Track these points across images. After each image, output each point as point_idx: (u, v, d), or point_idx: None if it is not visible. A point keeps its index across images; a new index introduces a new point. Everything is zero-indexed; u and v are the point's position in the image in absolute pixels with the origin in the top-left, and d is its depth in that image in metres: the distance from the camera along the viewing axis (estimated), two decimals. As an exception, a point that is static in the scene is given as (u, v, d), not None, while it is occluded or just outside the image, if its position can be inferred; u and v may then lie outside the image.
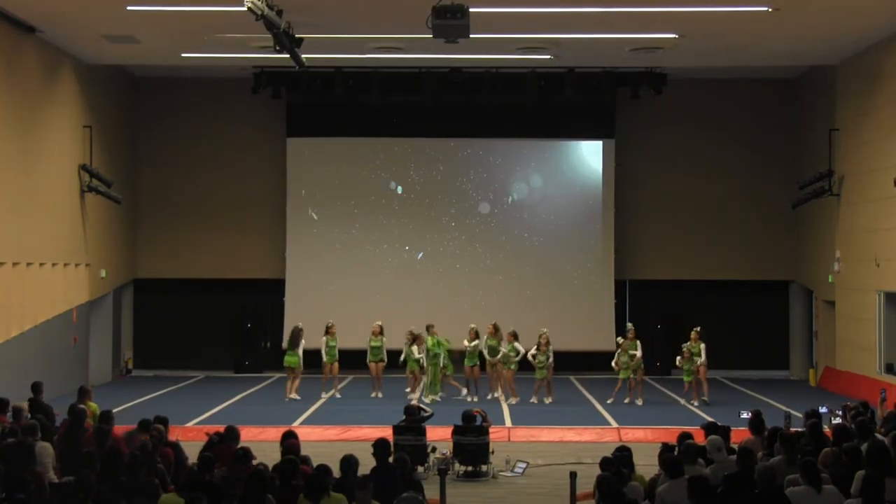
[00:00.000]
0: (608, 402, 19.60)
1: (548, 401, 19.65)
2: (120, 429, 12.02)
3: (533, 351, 19.55)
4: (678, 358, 19.68)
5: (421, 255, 25.26)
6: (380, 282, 25.13)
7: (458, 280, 25.15)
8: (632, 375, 19.56)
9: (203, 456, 9.84)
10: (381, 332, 20.48)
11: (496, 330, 19.96)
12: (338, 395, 20.37)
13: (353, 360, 21.53)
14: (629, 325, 20.72)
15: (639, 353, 19.57)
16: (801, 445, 10.19)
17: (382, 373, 20.64)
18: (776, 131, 25.55)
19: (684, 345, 19.66)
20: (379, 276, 25.16)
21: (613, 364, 19.74)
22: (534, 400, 19.63)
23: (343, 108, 24.57)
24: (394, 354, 20.53)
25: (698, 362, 19.38)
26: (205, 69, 24.05)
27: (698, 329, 19.70)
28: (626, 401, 19.53)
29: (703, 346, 19.48)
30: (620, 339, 20.08)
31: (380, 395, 20.38)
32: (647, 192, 25.58)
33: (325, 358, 20.36)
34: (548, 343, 19.53)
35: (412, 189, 25.24)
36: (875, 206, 20.34)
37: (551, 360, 19.57)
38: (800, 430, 11.87)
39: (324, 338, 20.44)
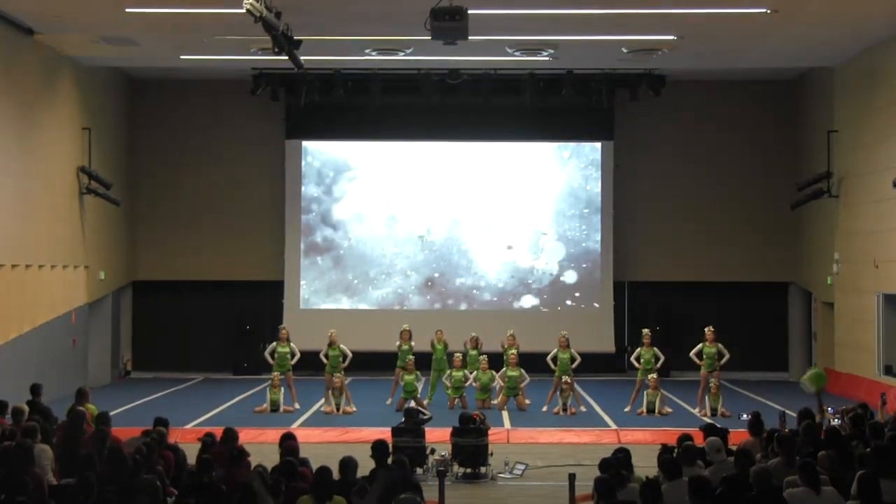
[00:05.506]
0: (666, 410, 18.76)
1: (584, 409, 19.09)
2: (118, 431, 12.02)
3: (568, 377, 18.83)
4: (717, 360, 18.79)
5: (427, 233, 25.08)
6: (379, 285, 25.14)
7: (458, 283, 25.15)
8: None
9: (202, 458, 9.84)
10: (411, 338, 19.73)
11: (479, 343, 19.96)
12: (297, 406, 18.93)
13: (353, 362, 21.42)
14: (645, 331, 19.64)
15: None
16: (798, 446, 10.18)
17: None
18: (775, 133, 25.56)
19: (699, 346, 19.01)
20: (378, 279, 25.17)
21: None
22: (573, 410, 18.66)
23: (342, 110, 24.61)
24: (378, 356, 20.48)
25: (716, 366, 18.69)
26: (203, 71, 24.05)
27: (712, 328, 19.05)
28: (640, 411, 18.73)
29: (720, 346, 18.82)
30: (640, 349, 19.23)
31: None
32: (646, 193, 25.58)
33: (274, 369, 18.85)
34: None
35: (410, 191, 25.23)
36: (874, 207, 20.35)
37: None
38: (794, 428, 11.90)
39: (273, 344, 19.23)
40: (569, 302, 25.04)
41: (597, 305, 25.05)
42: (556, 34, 19.08)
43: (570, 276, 25.12)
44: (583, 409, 19.09)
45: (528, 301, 25.08)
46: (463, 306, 25.02)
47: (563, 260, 25.15)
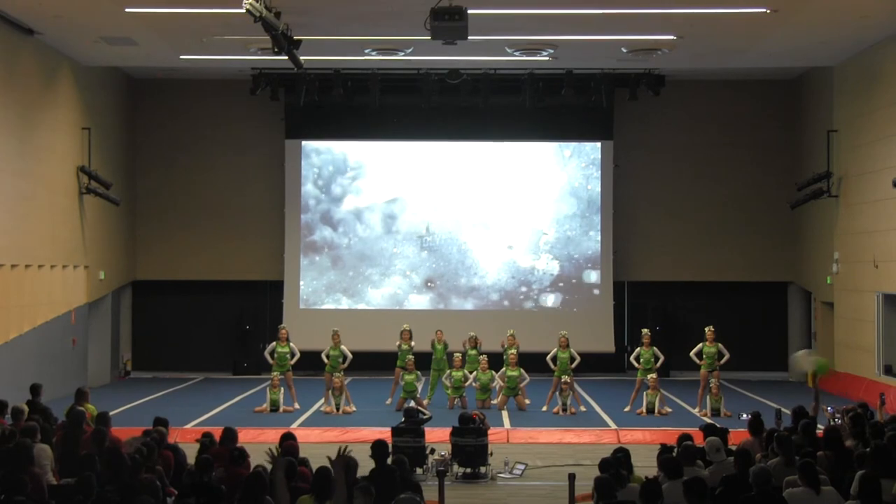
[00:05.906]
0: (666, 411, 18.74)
1: (583, 409, 19.11)
2: (118, 431, 12.01)
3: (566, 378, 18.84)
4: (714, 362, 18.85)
5: (427, 233, 25.06)
6: (379, 285, 25.14)
7: (458, 283, 25.15)
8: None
9: (202, 458, 9.84)
10: (411, 338, 19.69)
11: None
12: (297, 406, 18.96)
13: (353, 362, 21.36)
14: (644, 331, 19.62)
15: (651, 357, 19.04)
16: (796, 445, 10.17)
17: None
18: (774, 132, 25.57)
19: (699, 346, 19.03)
20: (378, 279, 25.17)
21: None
22: (572, 410, 18.64)
23: (341, 109, 24.63)
24: (378, 356, 20.45)
25: (717, 365, 18.76)
26: (203, 71, 24.05)
27: (712, 328, 19.09)
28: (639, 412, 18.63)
29: (720, 345, 18.89)
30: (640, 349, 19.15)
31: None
32: (646, 193, 25.59)
33: (274, 369, 18.94)
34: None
35: (410, 191, 25.23)
36: (873, 207, 20.35)
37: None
38: (789, 426, 11.91)
39: (273, 344, 19.29)
40: (569, 302, 25.04)
41: (597, 305, 25.05)
42: (556, 34, 19.08)
43: (571, 276, 25.12)
44: (583, 408, 19.09)
45: (528, 301, 25.08)
46: (463, 306, 25.02)
47: (564, 260, 25.15)
